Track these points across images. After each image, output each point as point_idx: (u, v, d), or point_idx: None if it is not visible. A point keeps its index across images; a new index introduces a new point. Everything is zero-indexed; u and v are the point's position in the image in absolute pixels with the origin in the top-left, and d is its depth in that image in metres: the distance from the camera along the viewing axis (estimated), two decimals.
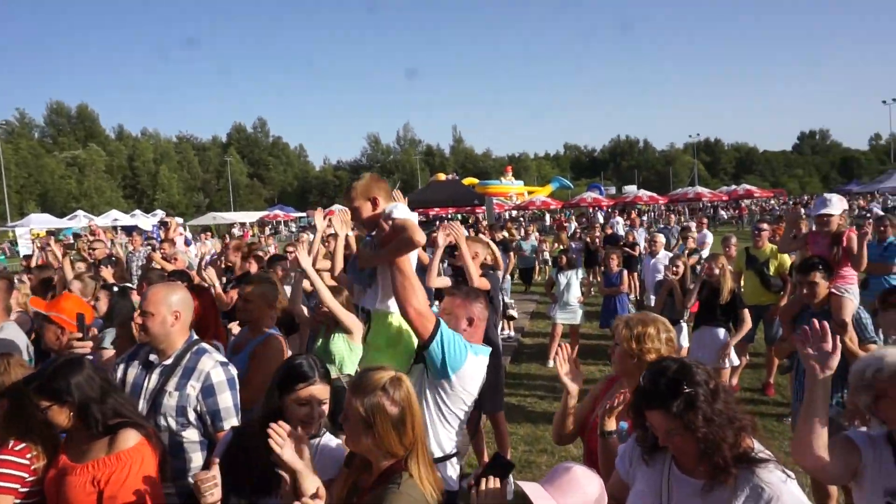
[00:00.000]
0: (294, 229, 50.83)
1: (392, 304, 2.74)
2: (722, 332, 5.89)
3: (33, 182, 65.04)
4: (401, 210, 2.70)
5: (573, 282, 8.50)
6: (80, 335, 3.05)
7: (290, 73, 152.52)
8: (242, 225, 50.06)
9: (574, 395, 2.66)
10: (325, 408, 2.26)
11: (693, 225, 12.35)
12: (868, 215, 21.24)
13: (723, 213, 43.32)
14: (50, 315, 3.12)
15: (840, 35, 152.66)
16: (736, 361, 6.07)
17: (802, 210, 7.30)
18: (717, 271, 5.96)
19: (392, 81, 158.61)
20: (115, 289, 4.66)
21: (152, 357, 2.78)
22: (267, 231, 42.46)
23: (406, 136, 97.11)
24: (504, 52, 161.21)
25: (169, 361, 2.74)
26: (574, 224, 22.82)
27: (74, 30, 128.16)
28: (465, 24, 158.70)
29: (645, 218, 22.85)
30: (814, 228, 5.26)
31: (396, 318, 2.75)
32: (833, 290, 4.37)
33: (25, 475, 2.34)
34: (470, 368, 2.58)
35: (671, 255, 8.22)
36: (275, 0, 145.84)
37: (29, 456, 2.36)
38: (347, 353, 3.90)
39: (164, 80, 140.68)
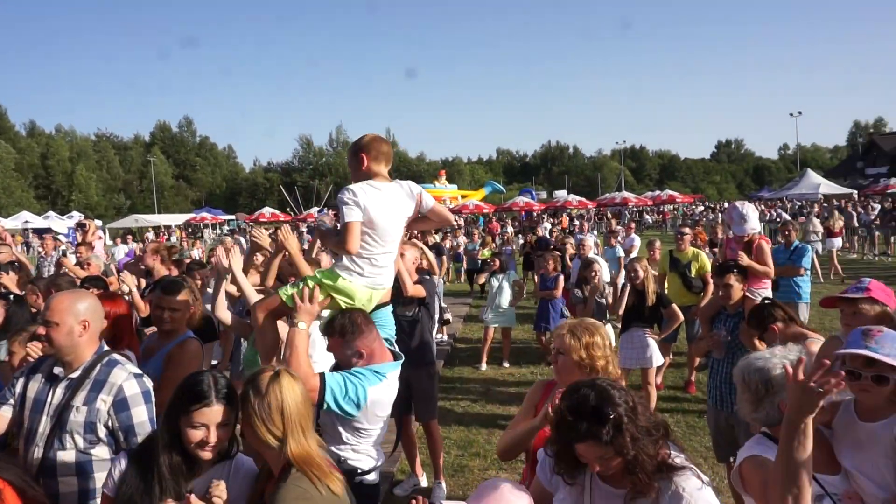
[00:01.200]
0: (221, 232, 49.21)
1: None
2: (648, 332, 6.09)
3: None
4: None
5: (505, 285, 8.59)
6: None
7: (219, 71, 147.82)
8: (166, 228, 48.11)
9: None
10: (226, 431, 2.08)
11: (621, 229, 12.77)
12: (778, 219, 22.59)
13: (647, 217, 45.11)
14: None
15: (754, 49, 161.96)
16: (661, 360, 6.30)
17: (720, 215, 7.74)
18: (641, 274, 6.15)
19: (325, 82, 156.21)
20: (11, 297, 4.34)
21: (57, 370, 2.59)
22: (182, 235, 40.94)
23: (339, 138, 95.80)
24: (438, 56, 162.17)
25: (76, 374, 2.56)
26: (510, 227, 23.12)
27: None
28: (399, 25, 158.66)
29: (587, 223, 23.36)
30: (730, 235, 5.57)
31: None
32: (747, 293, 4.62)
33: None
34: (374, 397, 2.56)
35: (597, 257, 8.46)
36: None
37: None
38: None
39: (81, 74, 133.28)
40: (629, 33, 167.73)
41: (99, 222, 27.70)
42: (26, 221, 42.16)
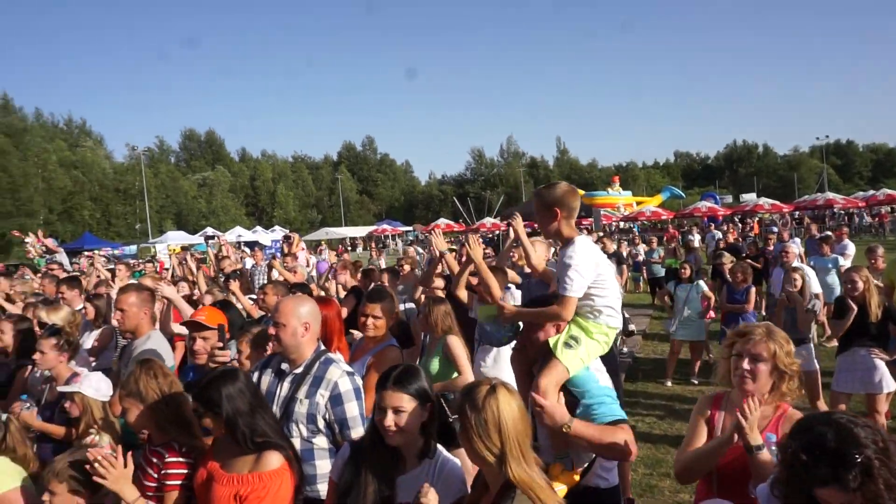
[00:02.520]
0: (405, 242, 52.24)
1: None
2: (874, 352, 5.31)
3: (170, 202, 71.42)
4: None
5: (693, 296, 8.05)
6: (221, 345, 3.26)
7: (396, 90, 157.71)
8: (351, 240, 52.19)
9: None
10: (402, 418, 2.16)
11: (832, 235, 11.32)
12: None
13: (858, 220, 39.57)
14: (200, 321, 3.35)
15: None
16: (893, 385, 5.45)
17: None
18: (860, 285, 5.40)
19: (496, 95, 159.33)
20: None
21: (284, 366, 2.91)
22: (372, 245, 43.87)
23: (509, 148, 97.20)
24: (610, 59, 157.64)
25: (299, 370, 2.85)
26: (697, 235, 21.57)
27: (205, 63, 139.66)
28: (569, 32, 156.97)
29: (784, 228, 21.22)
30: None
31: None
32: None
33: (185, 471, 2.56)
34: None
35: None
36: (378, 23, 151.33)
37: (185, 460, 2.58)
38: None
39: (281, 103, 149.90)
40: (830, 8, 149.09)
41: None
42: (239, 235, 48.18)
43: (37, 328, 4.65)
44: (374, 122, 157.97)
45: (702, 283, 8.35)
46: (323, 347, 2.97)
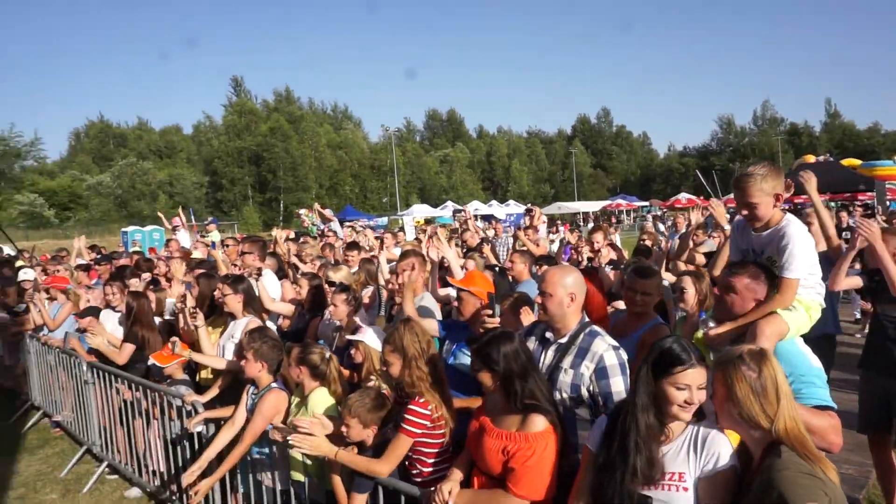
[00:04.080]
0: (638, 217, 50.07)
1: None
2: None
3: (416, 178, 77.79)
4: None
5: None
6: (490, 311, 3.45)
7: (634, 59, 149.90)
8: (584, 215, 51.45)
9: None
10: (704, 393, 2.07)
11: None
12: None
13: None
14: (469, 289, 3.59)
15: None
16: None
17: None
18: None
19: (748, 56, 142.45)
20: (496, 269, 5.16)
21: (548, 334, 2.95)
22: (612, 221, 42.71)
23: (765, 114, 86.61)
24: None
25: (564, 340, 2.87)
26: None
27: (447, 50, 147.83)
28: None
29: None
30: None
31: None
32: None
33: (427, 422, 2.86)
34: None
35: None
36: None
37: (430, 407, 2.86)
38: None
39: (516, 80, 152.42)
40: None
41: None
42: (476, 209, 50.68)
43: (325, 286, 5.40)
44: (611, 94, 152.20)
45: None
46: (588, 319, 2.95)
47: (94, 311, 6.12)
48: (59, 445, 6.71)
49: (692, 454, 2.06)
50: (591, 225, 45.54)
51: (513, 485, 2.42)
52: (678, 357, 2.07)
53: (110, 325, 5.91)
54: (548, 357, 2.90)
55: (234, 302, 4.50)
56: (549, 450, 2.42)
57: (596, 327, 2.90)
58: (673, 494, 2.03)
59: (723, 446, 2.05)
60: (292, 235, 11.28)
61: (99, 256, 10.26)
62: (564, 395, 2.79)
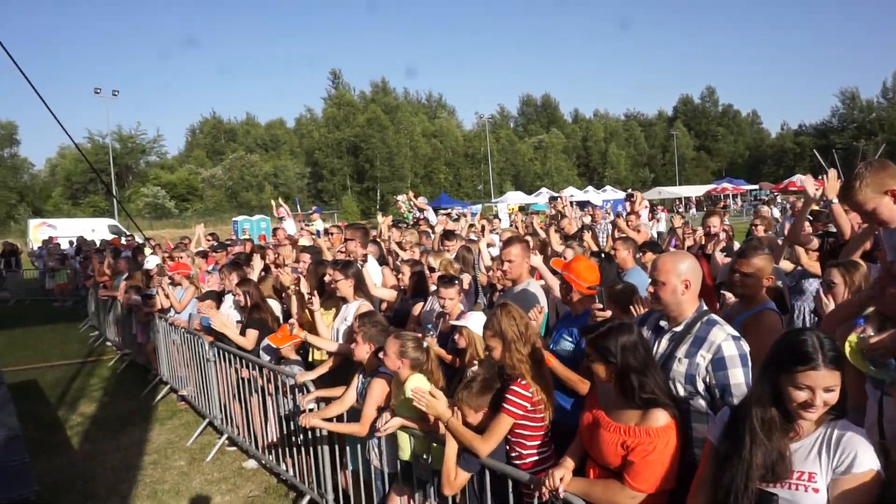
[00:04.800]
0: (742, 203, 47.20)
1: None
2: None
3: (509, 165, 77.34)
4: None
5: None
6: (601, 305, 3.38)
7: (742, 34, 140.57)
8: (686, 199, 49.13)
9: None
10: (833, 395, 1.90)
11: None
12: None
13: None
14: (564, 275, 3.55)
15: None
16: None
17: None
18: None
19: (874, 25, 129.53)
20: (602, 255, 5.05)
21: (662, 323, 2.85)
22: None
23: None
24: None
25: (679, 329, 2.76)
26: None
27: (540, 33, 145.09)
28: None
29: None
30: None
31: None
32: None
33: (527, 404, 2.93)
34: None
35: None
36: None
37: (531, 390, 2.95)
38: None
39: (613, 62, 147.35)
40: None
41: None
42: (571, 195, 49.64)
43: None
44: (716, 71, 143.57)
45: None
46: (705, 307, 2.82)
47: (213, 295, 6.57)
48: (184, 417, 7.29)
49: (824, 454, 1.93)
50: (692, 210, 43.41)
51: (631, 478, 2.37)
52: (804, 354, 1.91)
53: (227, 309, 6.33)
54: (662, 346, 2.80)
55: (345, 286, 4.70)
56: (670, 445, 2.36)
57: (714, 315, 2.77)
58: (800, 494, 1.91)
59: (860, 447, 1.89)
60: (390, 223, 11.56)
61: (215, 244, 10.97)
62: (679, 386, 2.69)
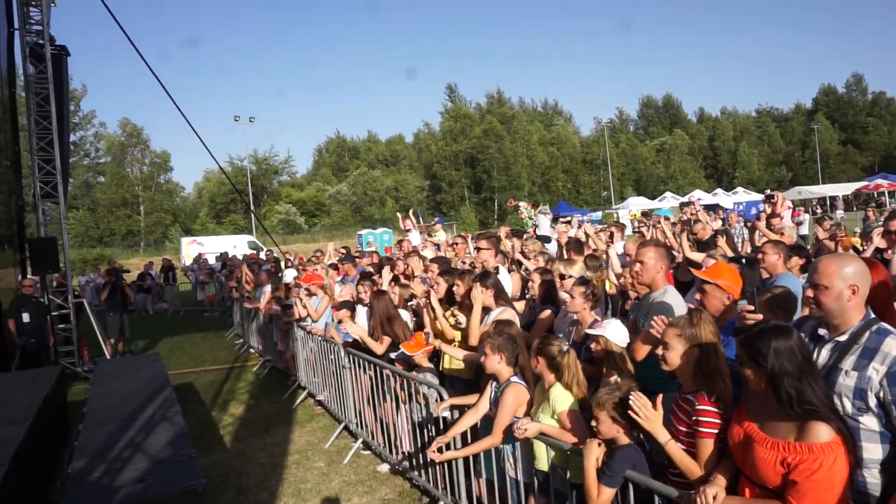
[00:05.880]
0: None
1: None
2: None
3: (630, 170, 74.78)
4: None
5: None
6: (752, 307, 3.18)
7: (891, 15, 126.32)
8: (831, 199, 44.85)
9: None
10: None
11: None
12: None
13: None
14: (717, 282, 3.36)
15: None
16: None
17: None
18: None
19: None
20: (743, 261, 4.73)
21: (821, 331, 2.62)
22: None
23: None
24: None
25: (843, 338, 2.52)
26: None
27: (661, 28, 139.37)
28: None
29: None
30: None
31: None
32: None
33: (718, 421, 2.60)
34: None
35: None
36: None
37: (721, 406, 2.64)
38: None
39: (741, 56, 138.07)
40: None
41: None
42: (698, 199, 47.02)
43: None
44: (862, 56, 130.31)
45: None
46: (873, 315, 2.55)
47: (348, 305, 6.91)
48: (321, 421, 7.69)
49: None
50: (840, 211, 39.43)
51: (796, 500, 2.18)
52: None
53: (360, 318, 6.63)
54: (822, 356, 2.57)
55: (486, 296, 4.77)
56: (838, 463, 2.15)
57: (886, 325, 2.50)
58: None
59: None
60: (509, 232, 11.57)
61: (343, 256, 11.54)
62: (845, 401, 2.45)
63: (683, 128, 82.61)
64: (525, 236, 9.22)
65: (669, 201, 43.36)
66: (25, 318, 10.25)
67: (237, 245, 33.30)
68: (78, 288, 20.59)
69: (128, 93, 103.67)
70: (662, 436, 2.70)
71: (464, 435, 4.22)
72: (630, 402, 2.72)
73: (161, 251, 47.15)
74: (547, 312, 5.18)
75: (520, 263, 7.06)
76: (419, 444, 5.11)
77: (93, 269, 27.04)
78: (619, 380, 3.45)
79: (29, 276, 11.26)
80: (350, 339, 6.47)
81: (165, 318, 19.98)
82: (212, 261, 23.63)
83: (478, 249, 5.95)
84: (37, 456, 5.38)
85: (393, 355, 5.67)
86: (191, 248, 34.60)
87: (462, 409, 4.28)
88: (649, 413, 2.69)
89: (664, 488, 2.63)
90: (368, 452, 6.40)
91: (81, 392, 9.07)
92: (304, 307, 8.12)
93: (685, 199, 29.13)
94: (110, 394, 6.25)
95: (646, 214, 36.98)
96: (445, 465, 4.55)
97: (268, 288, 10.62)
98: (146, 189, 61.51)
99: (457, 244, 8.35)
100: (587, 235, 7.41)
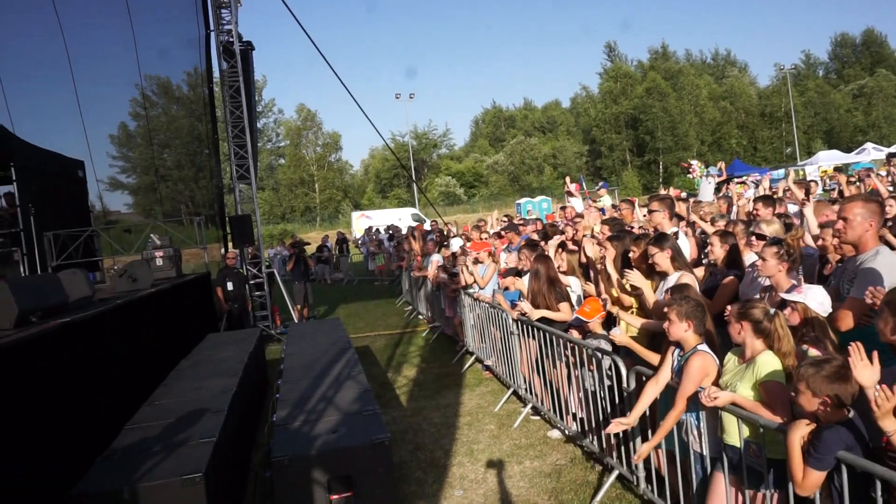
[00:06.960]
0: None
1: None
2: None
3: (820, 120, 66.47)
4: None
5: None
6: None
7: None
8: None
9: None
10: None
11: None
12: None
13: None
14: None
15: None
16: None
17: None
18: None
19: None
20: None
21: None
22: None
23: None
24: None
25: None
26: None
27: None
28: None
29: None
30: None
31: None
32: None
33: None
34: None
35: None
36: None
37: None
38: None
39: None
40: None
41: None
42: None
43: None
44: None
45: None
46: None
47: (514, 272, 6.93)
48: (489, 386, 7.87)
49: None
50: None
51: None
52: None
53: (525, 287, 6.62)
54: None
55: (663, 259, 4.53)
56: None
57: None
58: None
59: None
60: (684, 195, 10.84)
61: (506, 224, 11.58)
62: None
63: (889, 66, 71.23)
64: (692, 200, 8.57)
65: (871, 154, 37.60)
66: (230, 286, 11.74)
67: (402, 217, 34.91)
68: (268, 259, 22.96)
69: (302, 80, 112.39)
70: (889, 426, 2.35)
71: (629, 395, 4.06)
72: (874, 394, 2.38)
73: (334, 225, 51.03)
74: (731, 278, 4.78)
75: (694, 226, 6.57)
76: (593, 412, 5.02)
77: (279, 243, 29.93)
78: (824, 353, 3.09)
79: (231, 250, 12.88)
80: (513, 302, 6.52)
81: (341, 287, 21.65)
82: (381, 232, 25.07)
83: (650, 212, 5.61)
84: (246, 404, 6.11)
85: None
86: (360, 222, 36.96)
87: (639, 375, 4.11)
88: (891, 404, 2.32)
89: (887, 472, 2.31)
90: (538, 418, 6.44)
91: (276, 352, 10.16)
92: (471, 274, 8.29)
93: (894, 150, 24.82)
94: (302, 353, 6.89)
95: (839, 170, 32.59)
96: (621, 434, 4.42)
97: (435, 257, 11.00)
98: (320, 168, 66.75)
99: (621, 209, 7.98)
100: (784, 189, 6.66)
